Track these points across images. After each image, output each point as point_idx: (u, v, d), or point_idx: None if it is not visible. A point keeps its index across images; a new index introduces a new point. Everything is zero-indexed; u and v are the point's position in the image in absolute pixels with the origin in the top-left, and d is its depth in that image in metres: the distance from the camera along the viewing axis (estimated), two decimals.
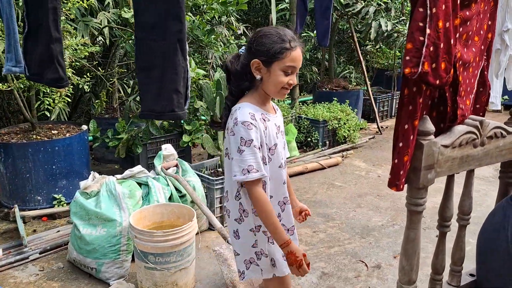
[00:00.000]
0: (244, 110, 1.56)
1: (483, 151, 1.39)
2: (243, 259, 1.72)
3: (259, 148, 1.55)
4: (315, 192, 4.22)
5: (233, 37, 5.01)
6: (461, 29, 1.25)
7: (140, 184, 3.01)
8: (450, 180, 1.41)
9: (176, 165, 3.32)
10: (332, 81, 6.20)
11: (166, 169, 3.24)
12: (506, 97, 7.66)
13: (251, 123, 1.52)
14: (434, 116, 1.35)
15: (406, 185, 1.30)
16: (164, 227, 2.70)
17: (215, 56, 4.49)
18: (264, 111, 1.62)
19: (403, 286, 1.37)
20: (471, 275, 1.54)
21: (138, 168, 3.09)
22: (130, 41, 4.10)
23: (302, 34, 7.26)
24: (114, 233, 2.67)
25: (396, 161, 1.22)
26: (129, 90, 4.79)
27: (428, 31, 1.05)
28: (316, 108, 5.41)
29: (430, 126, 1.23)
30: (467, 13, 1.25)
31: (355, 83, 6.70)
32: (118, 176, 3.02)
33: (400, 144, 1.20)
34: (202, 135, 3.74)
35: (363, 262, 2.99)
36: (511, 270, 1.35)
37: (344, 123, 5.30)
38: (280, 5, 6.17)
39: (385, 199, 3.98)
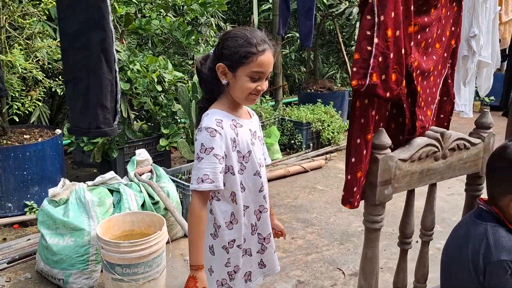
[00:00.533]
0: (212, 116, 1.48)
1: (445, 164, 1.32)
2: (216, 279, 1.64)
3: (223, 158, 1.46)
4: (296, 196, 4.15)
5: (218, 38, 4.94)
6: (419, 36, 1.18)
7: (111, 191, 2.92)
8: (410, 195, 1.34)
9: (151, 171, 3.24)
10: (317, 82, 6.14)
11: (140, 175, 3.16)
12: (492, 97, 7.64)
13: (215, 130, 1.44)
14: (393, 128, 1.29)
15: (363, 201, 1.24)
16: (135, 236, 2.62)
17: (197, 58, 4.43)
18: (235, 117, 1.54)
19: None
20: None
21: (110, 174, 3.01)
22: None
23: (287, 35, 7.20)
24: (82, 243, 2.58)
25: (349, 177, 1.15)
26: None
27: (376, 40, 0.98)
28: (300, 110, 5.34)
29: (385, 139, 1.17)
30: (426, 19, 1.18)
31: (340, 84, 6.65)
32: (89, 182, 2.94)
33: (353, 160, 1.14)
34: (181, 138, 3.66)
35: (340, 269, 2.93)
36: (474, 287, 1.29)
37: (328, 125, 5.24)
38: (263, 5, 6.09)
39: None
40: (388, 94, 1.03)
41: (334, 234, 3.39)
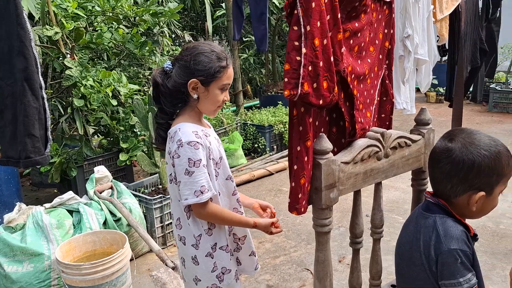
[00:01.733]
0: (187, 129, 1.50)
1: (388, 162, 1.36)
2: (205, 285, 1.67)
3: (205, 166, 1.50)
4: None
5: (177, 47, 4.89)
6: (351, 41, 1.21)
7: (71, 212, 2.85)
8: (356, 196, 1.37)
9: (111, 187, 3.18)
10: (277, 84, 6.18)
11: (100, 193, 3.10)
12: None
13: (197, 142, 1.47)
14: (334, 132, 1.32)
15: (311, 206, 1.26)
16: (97, 256, 2.56)
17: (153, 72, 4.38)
18: (203, 128, 1.58)
19: None
20: (393, 286, 1.51)
21: (69, 194, 2.93)
22: (59, 60, 3.91)
23: (245, 39, 7.23)
24: (43, 268, 2.51)
25: (293, 184, 1.17)
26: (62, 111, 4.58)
27: (304, 50, 1.00)
28: (262, 114, 5.37)
29: (326, 144, 1.19)
30: (356, 24, 1.22)
31: None
32: (47, 205, 2.86)
33: (295, 167, 1.15)
34: (141, 151, 3.61)
35: (308, 270, 2.96)
36: (427, 281, 1.33)
37: None
38: (218, 11, 6.10)
39: None
40: (321, 102, 1.05)
41: (301, 235, 3.42)
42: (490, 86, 7.25)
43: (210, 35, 5.16)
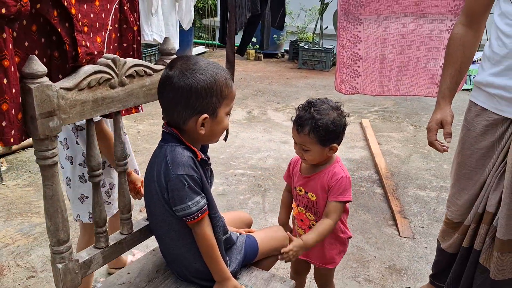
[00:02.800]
0: None
1: (125, 91, 1.31)
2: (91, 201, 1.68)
3: None
4: None
5: None
6: None
7: None
8: (89, 127, 1.30)
9: None
10: None
11: None
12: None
13: None
14: (57, 57, 1.21)
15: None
16: None
17: None
18: None
19: (53, 248, 1.24)
20: (147, 219, 1.52)
21: None
22: None
23: None
24: None
25: None
26: None
27: None
28: None
29: (38, 67, 1.08)
30: None
31: None
32: None
33: None
34: None
35: None
36: (164, 212, 1.35)
37: None
38: None
39: (141, 154, 3.90)
40: (3, 11, 0.93)
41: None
42: (300, 45, 7.89)
43: None
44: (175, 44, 1.77)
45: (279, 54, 8.76)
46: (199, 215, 1.30)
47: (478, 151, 1.83)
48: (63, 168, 1.91)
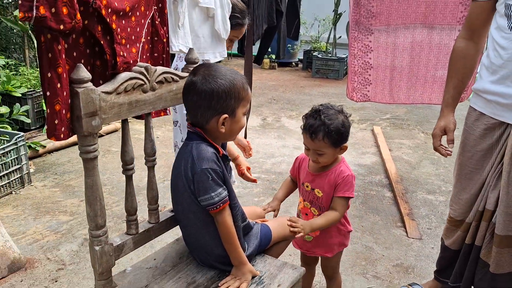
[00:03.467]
0: None
1: (155, 95, 1.49)
2: None
3: None
4: None
5: None
6: None
7: None
8: (124, 125, 1.49)
9: None
10: None
11: None
12: None
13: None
14: (98, 65, 1.39)
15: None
16: None
17: None
18: None
19: (92, 232, 1.42)
20: (172, 211, 1.69)
21: None
22: None
23: None
24: None
25: (48, 111, 1.22)
26: None
27: None
28: None
29: (83, 73, 1.26)
30: None
31: None
32: None
33: (48, 94, 1.20)
34: None
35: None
36: (191, 203, 1.51)
37: None
38: None
39: (160, 158, 4.09)
40: (62, 27, 1.11)
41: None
42: (313, 54, 8.06)
43: None
44: (210, 55, 1.98)
45: (293, 63, 8.95)
46: (221, 205, 1.46)
47: (477, 153, 1.96)
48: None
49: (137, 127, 5.03)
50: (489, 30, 1.95)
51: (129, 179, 1.53)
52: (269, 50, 8.38)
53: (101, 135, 4.63)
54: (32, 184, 3.66)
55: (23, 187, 3.57)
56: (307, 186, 1.93)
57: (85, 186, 1.39)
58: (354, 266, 2.67)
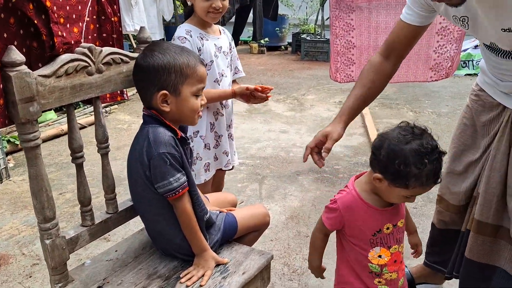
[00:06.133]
0: (183, 28, 1.95)
1: (103, 78, 1.40)
2: None
3: None
4: (68, 153, 4.00)
5: None
6: None
7: None
8: (70, 111, 1.40)
9: None
10: None
11: None
12: (267, 39, 8.43)
13: (185, 37, 1.91)
14: (36, 47, 1.30)
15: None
16: None
17: None
18: (203, 32, 1.99)
19: (41, 225, 1.34)
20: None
21: None
22: None
23: None
24: None
25: None
26: None
27: None
28: None
29: (15, 56, 1.17)
30: None
31: None
32: None
33: None
34: None
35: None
36: (146, 189, 1.44)
37: None
38: None
39: None
40: None
41: None
42: (302, 36, 7.93)
43: None
44: (156, 35, 1.89)
45: (282, 47, 8.81)
46: (180, 190, 1.39)
47: (473, 127, 1.85)
48: None
49: (120, 117, 4.95)
50: (408, 53, 1.79)
51: (79, 167, 1.45)
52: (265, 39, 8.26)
53: (84, 127, 4.54)
54: (10, 178, 3.58)
55: (1, 182, 3.49)
56: (387, 229, 1.47)
57: (29, 176, 1.31)
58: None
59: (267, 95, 2.11)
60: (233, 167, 2.34)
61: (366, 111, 5.03)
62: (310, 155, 1.70)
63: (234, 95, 2.08)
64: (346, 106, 1.76)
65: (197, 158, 2.09)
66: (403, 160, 1.28)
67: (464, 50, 6.53)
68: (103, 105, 5.48)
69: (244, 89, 2.08)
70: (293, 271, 2.42)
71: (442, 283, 2.25)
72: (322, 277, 1.67)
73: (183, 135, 1.46)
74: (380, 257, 1.48)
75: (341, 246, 1.58)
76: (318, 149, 1.69)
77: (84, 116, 4.72)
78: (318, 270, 1.64)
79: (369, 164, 1.44)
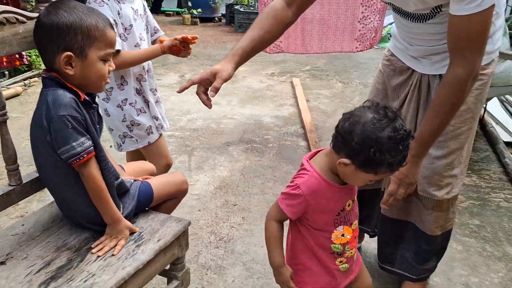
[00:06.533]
0: None
1: None
2: (117, 133, 2.10)
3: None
4: None
5: None
6: None
7: None
8: None
9: None
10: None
11: None
12: (200, 10, 8.24)
13: (103, 1, 1.85)
14: None
15: None
16: None
17: None
18: None
19: None
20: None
21: None
22: None
23: None
24: None
25: None
26: None
27: None
28: None
29: None
30: None
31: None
32: None
33: None
34: None
35: None
36: (48, 157, 1.36)
37: None
38: None
39: None
40: None
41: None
42: (235, 8, 7.82)
43: None
44: None
45: (216, 18, 8.66)
46: (85, 155, 1.32)
47: (384, 92, 1.93)
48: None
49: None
50: (309, 5, 1.71)
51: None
52: (190, 5, 8.05)
53: None
54: None
55: None
56: (348, 205, 1.42)
57: None
58: (265, 215, 2.65)
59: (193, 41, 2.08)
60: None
61: (297, 82, 5.11)
62: (197, 95, 1.54)
63: (163, 51, 2.02)
64: (240, 47, 1.59)
65: (133, 125, 2.08)
66: (379, 148, 1.20)
67: (391, 23, 6.76)
68: (22, 76, 5.08)
69: (173, 40, 2.01)
70: (219, 239, 2.44)
71: (361, 242, 2.37)
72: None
73: (87, 98, 1.38)
74: (343, 236, 1.41)
75: (296, 232, 1.45)
76: (205, 88, 1.53)
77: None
78: (283, 271, 1.41)
79: (332, 146, 1.32)
